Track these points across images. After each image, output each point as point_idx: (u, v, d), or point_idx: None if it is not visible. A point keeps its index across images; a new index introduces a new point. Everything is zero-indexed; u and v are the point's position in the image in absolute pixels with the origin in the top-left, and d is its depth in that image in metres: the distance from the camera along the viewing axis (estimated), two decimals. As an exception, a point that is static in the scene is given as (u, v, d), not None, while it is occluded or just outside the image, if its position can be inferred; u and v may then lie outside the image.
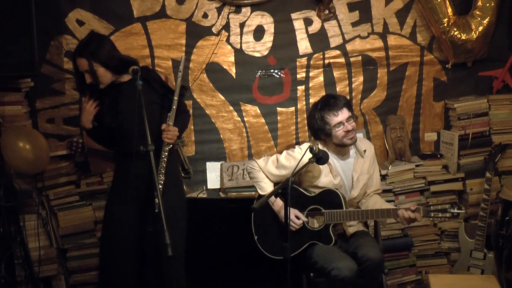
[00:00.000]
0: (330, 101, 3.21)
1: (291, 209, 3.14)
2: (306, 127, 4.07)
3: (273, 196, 3.17)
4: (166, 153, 3.04)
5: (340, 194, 3.17)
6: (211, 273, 3.73)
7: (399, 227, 3.96)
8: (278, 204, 3.21)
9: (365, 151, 3.34)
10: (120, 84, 3.10)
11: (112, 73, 3.04)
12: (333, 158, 3.27)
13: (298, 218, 3.17)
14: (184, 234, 3.21)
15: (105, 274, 3.19)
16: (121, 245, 3.09)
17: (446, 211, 3.03)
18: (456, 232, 3.97)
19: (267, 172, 3.31)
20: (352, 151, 3.34)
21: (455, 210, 3.03)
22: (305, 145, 3.30)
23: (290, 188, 3.15)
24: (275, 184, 3.31)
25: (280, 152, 3.38)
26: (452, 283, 3.40)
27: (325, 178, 3.23)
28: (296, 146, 3.35)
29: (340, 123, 3.16)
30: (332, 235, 3.15)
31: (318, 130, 3.24)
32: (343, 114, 3.17)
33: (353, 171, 3.27)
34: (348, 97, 4.03)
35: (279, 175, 3.28)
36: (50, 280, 3.91)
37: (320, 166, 3.17)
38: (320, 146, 3.25)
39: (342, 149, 3.28)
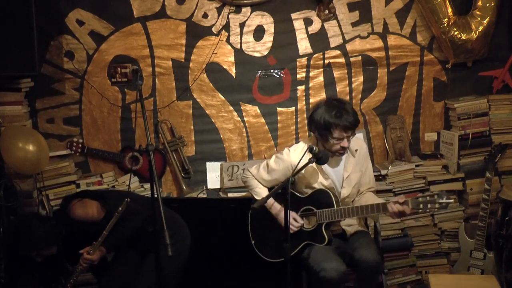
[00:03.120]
0: (344, 116, 3.04)
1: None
2: (306, 127, 4.07)
3: (270, 200, 3.19)
4: (74, 278, 3.21)
5: (331, 193, 3.16)
6: (211, 273, 3.72)
7: (399, 227, 3.96)
8: (276, 207, 3.21)
9: (356, 150, 3.29)
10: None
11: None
12: None
13: (296, 220, 3.17)
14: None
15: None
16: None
17: (435, 201, 2.91)
18: (456, 232, 3.97)
19: (260, 178, 3.33)
20: None
21: (444, 200, 2.90)
22: (297, 146, 3.30)
23: (283, 191, 3.16)
24: (270, 188, 3.32)
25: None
26: (452, 283, 3.40)
27: (315, 179, 3.21)
28: (285, 148, 3.33)
29: (342, 138, 3.10)
30: (325, 234, 3.14)
31: (317, 128, 3.14)
32: (348, 133, 3.10)
33: (343, 171, 3.26)
34: (348, 97, 4.04)
35: (271, 179, 3.29)
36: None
37: (311, 167, 3.15)
38: (312, 142, 3.23)
39: None
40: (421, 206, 2.95)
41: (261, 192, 3.30)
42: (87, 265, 3.15)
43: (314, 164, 3.13)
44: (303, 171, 3.09)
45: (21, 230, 3.12)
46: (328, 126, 3.06)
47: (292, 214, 3.17)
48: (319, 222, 3.15)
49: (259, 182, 3.34)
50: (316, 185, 3.22)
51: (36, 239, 3.06)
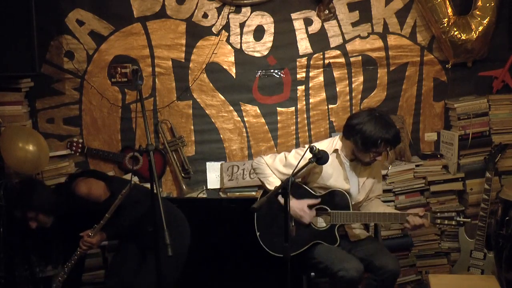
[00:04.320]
0: (392, 132, 3.03)
1: (302, 200, 3.15)
2: (306, 127, 4.07)
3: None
4: (72, 262, 3.17)
5: (347, 196, 3.15)
6: (211, 273, 3.72)
7: (399, 227, 3.95)
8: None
9: None
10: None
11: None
12: (346, 162, 3.22)
13: (304, 211, 3.13)
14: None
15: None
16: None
17: (453, 218, 3.03)
18: (456, 232, 3.97)
19: (274, 169, 3.25)
20: None
21: (461, 219, 3.03)
22: (321, 143, 3.23)
23: (297, 186, 3.15)
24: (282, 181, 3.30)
25: (279, 152, 3.36)
26: (452, 283, 3.40)
27: (335, 181, 3.19)
28: (306, 146, 3.29)
29: (381, 153, 3.10)
30: (337, 235, 3.14)
31: (363, 140, 3.05)
32: (390, 148, 3.14)
33: (359, 177, 3.24)
34: (348, 97, 4.04)
35: (286, 173, 3.18)
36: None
37: (331, 169, 3.15)
38: (340, 144, 3.20)
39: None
40: (438, 221, 3.03)
41: (274, 182, 3.22)
42: (87, 248, 3.13)
43: (339, 167, 3.16)
44: (323, 170, 3.12)
45: (24, 188, 3.16)
46: (377, 142, 3.01)
47: (307, 201, 3.14)
48: (332, 223, 3.15)
49: (272, 172, 3.27)
50: (335, 187, 3.19)
51: (37, 199, 3.09)
